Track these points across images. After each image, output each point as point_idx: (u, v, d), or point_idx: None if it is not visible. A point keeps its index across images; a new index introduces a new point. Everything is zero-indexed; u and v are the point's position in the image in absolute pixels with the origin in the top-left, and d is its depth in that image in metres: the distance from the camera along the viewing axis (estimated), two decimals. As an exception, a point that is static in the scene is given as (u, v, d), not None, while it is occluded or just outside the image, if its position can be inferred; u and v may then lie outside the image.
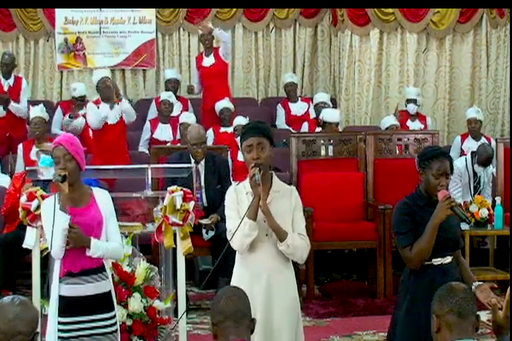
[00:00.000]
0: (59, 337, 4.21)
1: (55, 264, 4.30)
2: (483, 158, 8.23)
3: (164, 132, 9.39)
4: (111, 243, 4.32)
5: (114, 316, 4.36)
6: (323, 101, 9.64)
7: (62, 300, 4.23)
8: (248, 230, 4.10)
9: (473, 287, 4.10)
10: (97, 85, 8.66)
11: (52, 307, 4.27)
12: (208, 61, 9.89)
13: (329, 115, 8.91)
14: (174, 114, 9.51)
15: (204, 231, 7.08)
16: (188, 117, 8.84)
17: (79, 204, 4.28)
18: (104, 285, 4.31)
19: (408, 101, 9.89)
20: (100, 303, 4.29)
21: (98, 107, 8.46)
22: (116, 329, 4.39)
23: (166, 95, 9.52)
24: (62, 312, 4.21)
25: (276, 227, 4.14)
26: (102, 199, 4.37)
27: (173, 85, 10.03)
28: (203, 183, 7.25)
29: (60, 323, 4.22)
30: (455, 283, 3.29)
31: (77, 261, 4.24)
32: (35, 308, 3.07)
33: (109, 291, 4.36)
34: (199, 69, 9.94)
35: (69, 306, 4.22)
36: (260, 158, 4.15)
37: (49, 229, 4.21)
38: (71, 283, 4.23)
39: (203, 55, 9.99)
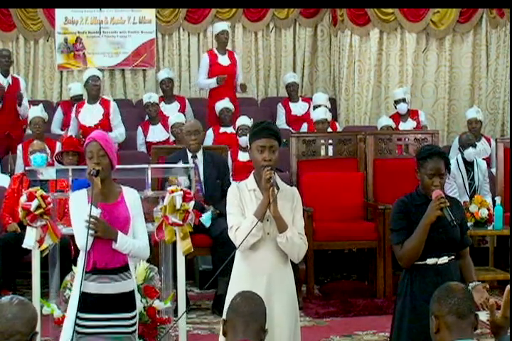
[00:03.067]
0: (78, 332, 4.21)
1: (80, 260, 4.30)
2: (463, 141, 8.37)
3: (157, 133, 9.35)
4: (137, 240, 4.33)
5: (135, 316, 4.35)
6: (321, 103, 9.59)
7: (86, 296, 4.21)
8: (255, 230, 4.13)
9: (469, 287, 4.09)
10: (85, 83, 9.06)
11: (73, 302, 4.26)
12: (225, 60, 9.84)
13: (315, 114, 8.96)
14: (169, 114, 9.46)
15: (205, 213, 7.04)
16: (178, 117, 8.87)
17: (108, 200, 4.33)
18: (127, 284, 4.31)
19: (396, 102, 9.79)
20: (122, 302, 4.29)
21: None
22: (135, 330, 4.37)
23: (147, 97, 9.48)
24: (83, 308, 4.20)
25: (278, 217, 4.17)
26: (131, 197, 4.40)
27: (167, 85, 9.93)
28: (202, 178, 7.24)
29: (80, 319, 4.21)
30: (453, 283, 3.29)
31: (103, 255, 4.24)
32: (34, 308, 3.07)
33: (132, 291, 4.35)
34: (213, 65, 9.81)
35: (91, 303, 4.21)
36: (272, 159, 4.21)
37: (77, 221, 4.26)
38: (96, 280, 4.24)
39: (216, 52, 9.92)
